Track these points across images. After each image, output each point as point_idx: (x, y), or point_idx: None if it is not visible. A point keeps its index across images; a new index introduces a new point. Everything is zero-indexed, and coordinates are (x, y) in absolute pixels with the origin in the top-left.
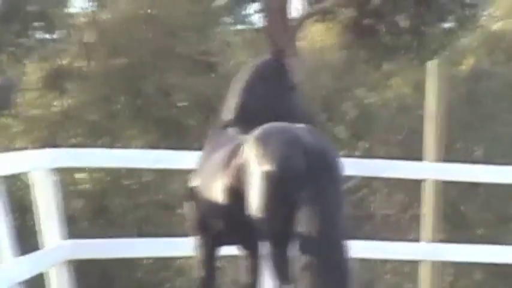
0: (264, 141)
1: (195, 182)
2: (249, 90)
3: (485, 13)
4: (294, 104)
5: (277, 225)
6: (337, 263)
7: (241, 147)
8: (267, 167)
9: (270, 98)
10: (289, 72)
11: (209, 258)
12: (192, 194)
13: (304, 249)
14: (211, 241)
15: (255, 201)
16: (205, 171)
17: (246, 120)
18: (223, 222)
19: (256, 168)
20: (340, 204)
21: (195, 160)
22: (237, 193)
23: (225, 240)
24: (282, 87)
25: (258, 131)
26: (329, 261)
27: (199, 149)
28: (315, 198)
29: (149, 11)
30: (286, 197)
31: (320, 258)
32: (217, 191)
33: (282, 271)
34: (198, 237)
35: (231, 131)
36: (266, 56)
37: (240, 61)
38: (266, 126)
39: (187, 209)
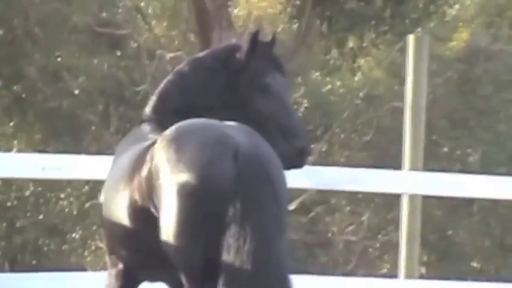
0: (179, 142)
1: (101, 196)
2: (183, 77)
3: None
4: (258, 110)
5: (196, 256)
6: None
7: (151, 150)
8: (183, 177)
9: (214, 93)
10: (260, 66)
11: None
12: (101, 213)
13: (232, 286)
14: (124, 277)
15: (166, 224)
16: (109, 183)
17: (169, 113)
18: (134, 251)
19: (168, 178)
20: (283, 225)
21: (95, 168)
22: (143, 212)
23: (142, 275)
24: (239, 83)
25: (171, 128)
26: None
27: (100, 152)
28: (248, 217)
29: None
30: (208, 218)
31: None
32: (120, 209)
33: None
34: (109, 270)
35: (145, 127)
36: (235, 41)
37: (156, 35)
38: (183, 122)
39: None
